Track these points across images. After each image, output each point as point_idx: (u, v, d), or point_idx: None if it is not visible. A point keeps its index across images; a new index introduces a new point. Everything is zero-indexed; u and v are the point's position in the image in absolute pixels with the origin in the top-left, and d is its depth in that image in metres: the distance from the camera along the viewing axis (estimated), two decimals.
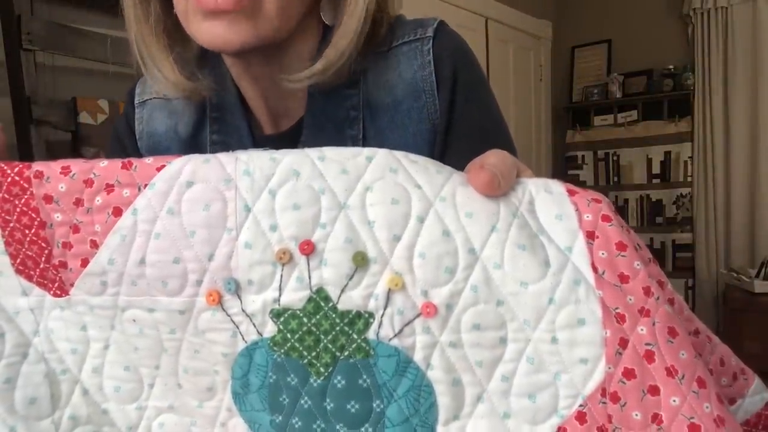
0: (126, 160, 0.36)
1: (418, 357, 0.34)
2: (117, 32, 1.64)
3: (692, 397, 0.32)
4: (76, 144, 1.49)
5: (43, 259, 0.36)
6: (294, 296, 0.35)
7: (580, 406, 0.33)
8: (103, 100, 1.53)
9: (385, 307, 0.34)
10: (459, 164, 0.37)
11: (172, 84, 0.55)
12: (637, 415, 0.32)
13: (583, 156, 3.56)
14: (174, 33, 0.56)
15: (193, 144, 0.61)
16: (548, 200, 0.35)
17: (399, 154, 0.36)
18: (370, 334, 0.34)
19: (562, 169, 3.65)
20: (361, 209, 0.34)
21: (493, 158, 0.35)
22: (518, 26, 3.27)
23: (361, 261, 0.34)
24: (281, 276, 0.35)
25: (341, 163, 0.35)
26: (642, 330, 0.32)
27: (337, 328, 0.35)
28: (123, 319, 0.37)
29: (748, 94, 3.04)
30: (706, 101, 3.15)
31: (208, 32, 0.49)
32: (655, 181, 3.35)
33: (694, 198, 3.24)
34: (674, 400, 0.32)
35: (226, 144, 0.59)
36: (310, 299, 0.35)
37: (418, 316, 0.34)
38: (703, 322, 0.38)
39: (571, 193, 0.35)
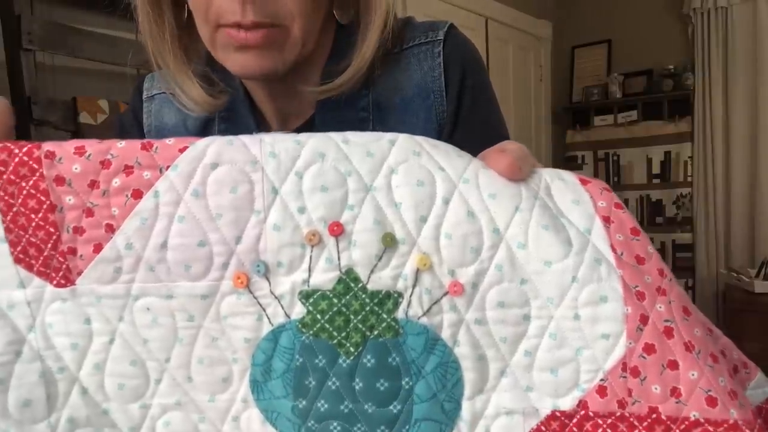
0: (146, 140, 0.35)
1: (445, 334, 0.35)
2: (117, 32, 1.64)
3: (708, 371, 0.33)
4: None
5: (48, 245, 0.34)
6: (324, 277, 0.35)
7: (601, 380, 0.34)
8: (103, 100, 1.53)
9: (414, 287, 0.35)
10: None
11: (196, 103, 0.56)
12: (656, 388, 0.33)
13: (583, 156, 3.56)
14: (189, 45, 0.57)
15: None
16: (563, 187, 0.36)
17: (420, 139, 0.36)
18: (399, 314, 0.35)
19: (562, 169, 3.65)
20: (388, 191, 0.35)
21: (512, 145, 0.36)
22: (518, 26, 3.27)
23: (389, 242, 0.34)
24: (311, 257, 0.35)
25: (365, 146, 0.35)
26: (660, 307, 0.34)
27: (367, 308, 0.35)
28: (134, 309, 0.36)
29: (748, 94, 3.04)
30: (706, 101, 3.15)
31: (238, 63, 0.50)
32: (655, 181, 3.35)
33: (694, 198, 3.24)
34: (693, 374, 0.33)
35: None
36: (339, 280, 0.35)
37: (445, 294, 0.35)
38: (702, 315, 0.38)
39: (583, 182, 0.36)
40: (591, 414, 0.34)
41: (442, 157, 0.35)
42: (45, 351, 0.36)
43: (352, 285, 0.35)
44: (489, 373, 0.36)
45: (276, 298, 0.35)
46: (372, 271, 0.35)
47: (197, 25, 0.52)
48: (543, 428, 0.35)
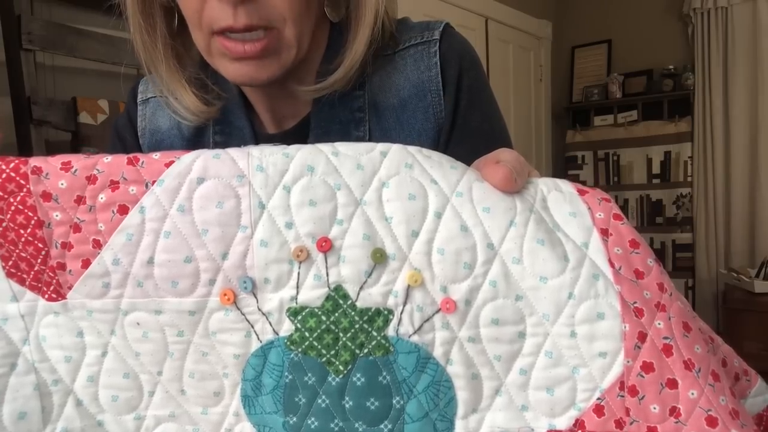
0: (132, 155, 0.34)
1: (437, 353, 0.34)
2: (117, 32, 1.64)
3: (709, 390, 0.32)
4: (76, 144, 1.49)
5: (38, 260, 0.34)
6: (312, 294, 0.34)
7: (598, 399, 0.33)
8: (103, 100, 1.53)
9: (405, 304, 0.34)
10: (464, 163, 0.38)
11: (190, 113, 0.56)
12: (655, 408, 0.32)
13: (583, 156, 3.56)
14: (182, 52, 0.57)
15: (195, 143, 0.61)
16: (560, 198, 0.35)
17: (413, 149, 0.35)
18: (390, 331, 0.34)
19: (562, 169, 3.65)
20: (378, 205, 0.34)
21: (507, 155, 0.35)
22: (518, 26, 3.27)
23: (379, 258, 0.34)
24: (298, 274, 0.34)
25: (355, 158, 0.34)
26: (659, 324, 0.33)
27: (357, 326, 0.34)
28: (125, 323, 0.35)
29: (748, 94, 3.04)
30: (706, 101, 3.15)
31: (236, 72, 0.50)
32: (655, 181, 3.35)
33: (694, 198, 3.23)
34: (692, 393, 0.32)
35: (228, 144, 0.59)
36: (328, 297, 0.34)
37: (437, 312, 0.34)
38: (703, 322, 0.38)
39: (581, 192, 0.35)
40: None
41: (435, 170, 0.34)
42: (39, 363, 0.36)
43: (341, 302, 0.34)
44: (483, 392, 0.35)
45: (264, 314, 0.35)
46: (361, 288, 0.34)
47: (192, 32, 0.52)
48: None
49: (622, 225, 0.34)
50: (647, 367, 0.32)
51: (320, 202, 0.33)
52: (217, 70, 0.52)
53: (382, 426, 0.35)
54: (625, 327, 0.33)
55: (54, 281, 0.35)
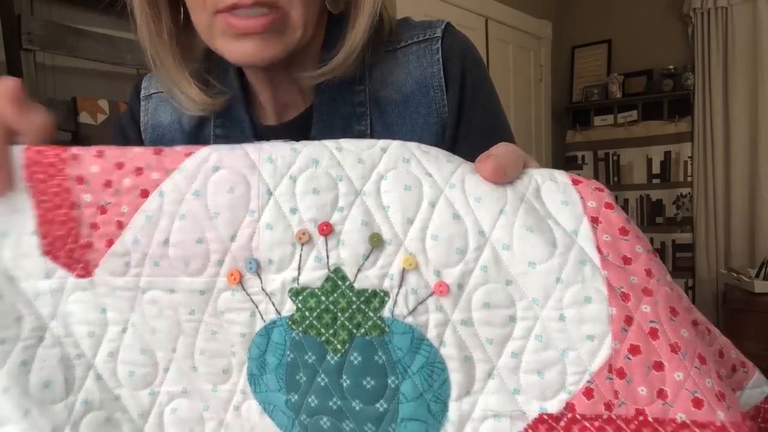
0: (157, 147, 0.37)
1: (431, 334, 0.36)
2: (117, 32, 1.64)
3: (695, 372, 0.32)
4: (76, 144, 1.49)
5: (70, 239, 0.37)
6: (312, 275, 0.36)
7: (588, 382, 0.34)
8: (103, 100, 1.53)
9: (400, 286, 0.36)
10: (468, 158, 0.39)
11: (195, 104, 0.57)
12: (643, 390, 0.33)
13: (583, 156, 3.57)
14: (185, 46, 0.58)
15: (196, 136, 0.62)
16: (554, 188, 0.36)
17: (412, 145, 0.37)
18: (385, 312, 0.36)
19: (562, 169, 3.63)
20: (376, 195, 0.36)
21: (501, 149, 0.37)
22: (518, 26, 3.27)
23: (376, 242, 0.35)
24: (300, 256, 0.36)
25: (357, 153, 0.37)
26: (646, 308, 0.33)
27: (354, 306, 0.36)
28: (143, 301, 0.37)
29: (748, 94, 3.04)
30: (706, 101, 3.15)
31: (238, 51, 0.50)
32: (655, 181, 3.35)
33: (694, 198, 3.24)
34: (678, 375, 0.32)
35: (229, 137, 0.60)
36: (327, 278, 0.36)
37: (431, 295, 0.35)
38: (700, 314, 0.38)
39: (575, 182, 0.36)
40: (578, 417, 0.34)
41: (431, 164, 0.37)
42: (65, 338, 0.38)
43: (340, 283, 0.36)
44: (476, 374, 0.36)
45: (267, 295, 0.37)
46: (359, 270, 0.36)
47: (193, 16, 0.52)
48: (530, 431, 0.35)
49: (612, 213, 0.35)
50: (634, 350, 0.33)
51: (323, 191, 0.36)
52: (219, 52, 0.52)
53: (377, 405, 0.36)
54: (611, 311, 0.34)
55: (83, 259, 0.37)
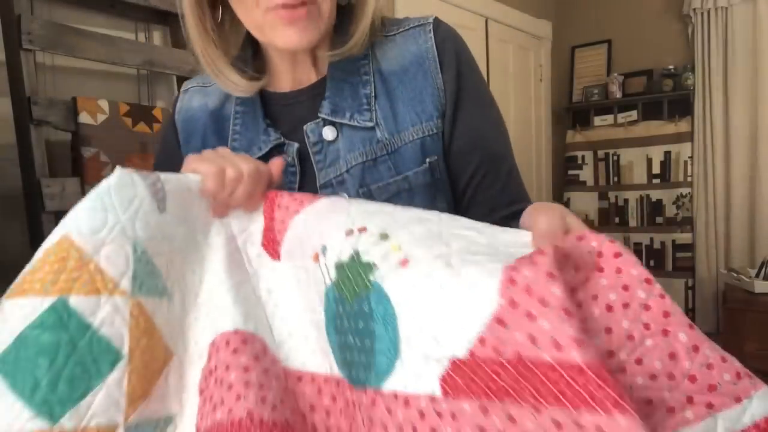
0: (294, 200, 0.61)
1: (392, 294, 0.48)
2: (117, 32, 1.64)
3: (557, 321, 0.39)
4: (76, 144, 1.49)
5: (272, 239, 0.62)
6: (345, 254, 0.52)
7: (482, 332, 0.42)
8: (103, 100, 1.53)
9: (384, 260, 0.49)
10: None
11: (239, 87, 0.73)
12: (520, 336, 0.40)
13: (583, 156, 3.57)
14: (224, 39, 0.74)
15: (220, 114, 0.79)
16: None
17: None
18: (372, 278, 0.49)
19: (562, 169, 3.66)
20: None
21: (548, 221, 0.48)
22: (518, 26, 3.28)
23: (383, 236, 0.51)
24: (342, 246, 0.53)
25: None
26: (527, 273, 0.40)
27: (359, 271, 0.50)
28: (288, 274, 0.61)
29: (748, 94, 3.04)
30: (706, 101, 3.15)
31: (287, 37, 0.66)
32: (655, 181, 3.35)
33: (694, 198, 3.24)
34: (545, 324, 0.39)
35: (246, 113, 0.76)
36: (351, 256, 0.52)
37: (399, 265, 0.48)
38: (703, 322, 0.39)
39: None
40: (479, 361, 0.42)
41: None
42: (262, 287, 0.63)
43: (355, 257, 0.51)
44: (415, 325, 0.46)
45: (327, 268, 0.53)
46: (366, 251, 0.51)
47: (245, 13, 0.67)
48: (447, 375, 0.44)
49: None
50: (514, 304, 0.40)
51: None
52: (269, 41, 0.68)
53: (367, 340, 0.49)
54: (499, 268, 0.42)
55: (275, 250, 0.61)
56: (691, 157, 3.23)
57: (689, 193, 3.25)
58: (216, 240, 0.60)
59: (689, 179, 3.25)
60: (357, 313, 0.49)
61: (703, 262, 3.20)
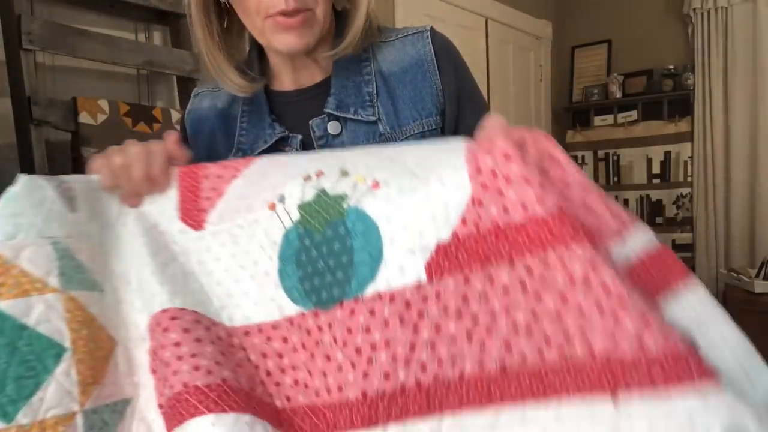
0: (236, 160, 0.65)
1: (371, 211, 0.54)
2: (117, 32, 1.64)
3: (521, 190, 0.49)
4: (76, 144, 1.49)
5: (193, 210, 0.65)
6: (309, 194, 0.58)
7: (463, 213, 0.51)
8: (103, 100, 1.53)
9: (353, 190, 0.56)
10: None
11: (239, 87, 0.78)
12: (494, 210, 0.49)
13: (583, 156, 3.57)
14: (229, 45, 0.79)
15: (228, 114, 0.84)
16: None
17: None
18: (345, 205, 0.56)
19: None
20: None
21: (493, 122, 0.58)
22: (518, 26, 3.27)
23: (343, 174, 0.58)
24: (304, 188, 0.59)
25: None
26: (488, 161, 0.50)
27: (329, 203, 0.56)
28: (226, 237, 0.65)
29: (748, 94, 3.04)
30: (706, 101, 3.15)
31: (285, 41, 0.71)
32: (655, 181, 3.35)
33: (694, 198, 3.24)
34: (511, 193, 0.49)
35: (252, 112, 0.82)
36: (316, 194, 0.58)
37: (369, 189, 0.55)
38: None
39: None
40: (461, 238, 0.50)
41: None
42: (185, 258, 0.65)
43: (322, 195, 0.57)
44: (399, 226, 0.53)
45: (287, 212, 0.58)
46: (333, 185, 0.57)
47: (248, 19, 0.72)
48: (431, 260, 0.51)
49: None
50: (485, 186, 0.49)
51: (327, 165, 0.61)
52: (268, 45, 0.74)
53: (344, 257, 0.55)
54: (468, 157, 0.51)
55: (199, 219, 0.64)
56: (691, 157, 3.23)
57: (689, 193, 3.25)
58: (134, 229, 0.62)
59: (689, 179, 3.25)
60: (331, 238, 0.56)
61: (703, 262, 3.20)
